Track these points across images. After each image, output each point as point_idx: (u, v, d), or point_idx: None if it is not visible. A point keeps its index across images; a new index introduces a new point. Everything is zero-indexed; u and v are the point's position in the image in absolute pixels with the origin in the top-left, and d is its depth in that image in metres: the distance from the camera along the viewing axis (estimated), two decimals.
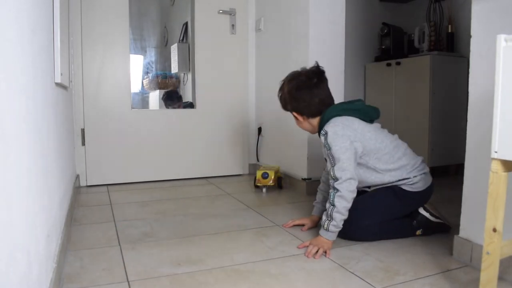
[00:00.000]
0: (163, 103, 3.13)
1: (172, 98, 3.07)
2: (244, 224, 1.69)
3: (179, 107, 3.01)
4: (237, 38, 2.79)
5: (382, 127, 1.55)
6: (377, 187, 1.51)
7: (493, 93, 0.87)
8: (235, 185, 2.52)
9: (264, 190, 2.31)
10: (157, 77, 3.26)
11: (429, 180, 1.51)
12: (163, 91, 3.17)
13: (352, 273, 1.20)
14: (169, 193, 2.32)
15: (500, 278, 1.04)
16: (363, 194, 1.52)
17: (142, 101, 3.35)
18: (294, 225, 1.64)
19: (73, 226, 1.66)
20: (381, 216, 1.48)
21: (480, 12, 1.19)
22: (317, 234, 1.40)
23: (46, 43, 1.16)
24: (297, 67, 1.57)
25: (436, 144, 2.69)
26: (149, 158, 2.60)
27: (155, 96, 3.24)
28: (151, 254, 1.35)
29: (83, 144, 2.45)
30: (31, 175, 0.82)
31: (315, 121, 1.53)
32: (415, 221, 1.50)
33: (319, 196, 1.67)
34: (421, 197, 1.50)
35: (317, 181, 1.72)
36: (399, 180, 1.47)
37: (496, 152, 0.88)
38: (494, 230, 0.90)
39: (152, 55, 3.41)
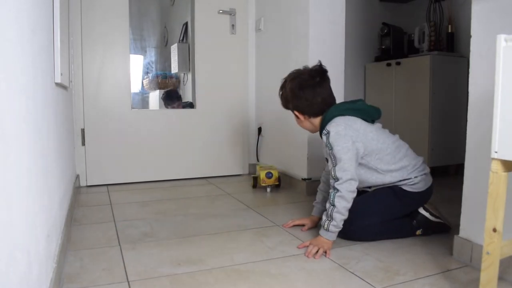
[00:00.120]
0: (163, 103, 3.13)
1: (172, 98, 3.07)
2: (244, 224, 1.69)
3: (178, 106, 3.01)
4: (237, 38, 2.79)
5: (383, 127, 1.55)
6: (378, 187, 1.51)
7: (493, 93, 0.87)
8: (235, 185, 2.52)
9: (268, 189, 2.32)
10: (157, 77, 3.27)
11: (429, 180, 1.51)
12: (163, 91, 3.17)
13: (352, 273, 1.20)
14: (169, 193, 2.32)
15: (500, 278, 1.04)
16: (363, 194, 1.52)
17: (142, 101, 3.35)
18: (294, 225, 1.64)
19: (73, 226, 1.66)
20: (381, 216, 1.48)
21: (480, 12, 1.19)
22: (317, 234, 1.40)
23: (46, 43, 1.16)
24: (297, 67, 1.57)
25: (436, 144, 2.69)
26: (149, 158, 2.60)
27: (155, 96, 3.24)
28: (151, 254, 1.35)
29: (83, 144, 2.45)
30: (31, 175, 0.82)
31: (317, 120, 1.52)
32: (415, 221, 1.50)
33: (319, 196, 1.67)
34: (421, 197, 1.50)
35: (317, 181, 1.72)
36: (400, 181, 1.47)
37: (496, 152, 0.88)
38: (494, 230, 0.90)
39: (152, 55, 3.41)
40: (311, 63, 1.53)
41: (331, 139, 1.39)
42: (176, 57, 3.03)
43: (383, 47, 3.12)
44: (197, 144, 2.72)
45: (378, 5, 3.29)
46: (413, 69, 2.78)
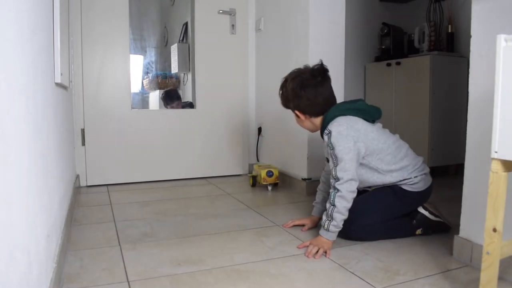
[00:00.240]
0: (162, 103, 3.13)
1: (171, 97, 3.07)
2: (244, 224, 1.69)
3: (177, 106, 3.01)
4: (237, 38, 2.79)
5: (383, 127, 1.55)
6: (378, 187, 1.51)
7: (493, 93, 0.87)
8: (235, 185, 2.52)
9: (269, 188, 2.35)
10: (157, 77, 3.27)
11: (429, 180, 1.51)
12: (162, 91, 3.17)
13: (352, 273, 1.20)
14: (169, 193, 2.32)
15: (500, 278, 1.04)
16: (363, 194, 1.52)
17: (142, 101, 3.35)
18: (294, 225, 1.64)
19: (73, 226, 1.66)
20: (381, 215, 1.48)
21: (480, 12, 1.19)
22: (317, 234, 1.40)
23: (46, 43, 1.16)
24: (297, 67, 1.56)
25: (436, 144, 2.69)
26: (149, 158, 2.60)
27: (155, 96, 3.24)
28: (151, 254, 1.35)
29: (83, 144, 2.45)
30: (31, 175, 0.82)
31: (318, 120, 1.52)
32: (414, 220, 1.50)
33: (318, 196, 1.67)
34: (421, 197, 1.50)
35: (317, 181, 1.72)
36: (400, 181, 1.47)
37: (496, 152, 0.88)
38: (494, 230, 0.90)
39: (152, 55, 3.41)
40: (311, 63, 1.53)
41: (333, 139, 1.39)
42: (176, 57, 3.03)
43: (383, 47, 3.12)
44: (197, 144, 2.72)
45: (378, 5, 3.29)
46: (413, 69, 2.78)
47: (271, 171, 2.31)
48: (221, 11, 2.72)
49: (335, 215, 1.36)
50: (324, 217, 1.39)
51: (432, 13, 2.98)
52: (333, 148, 1.39)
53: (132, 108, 2.58)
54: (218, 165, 2.78)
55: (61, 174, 1.46)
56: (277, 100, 1.60)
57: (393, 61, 2.94)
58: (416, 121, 2.75)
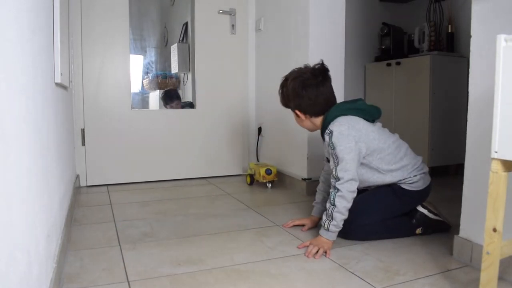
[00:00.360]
0: (162, 103, 3.13)
1: (170, 97, 3.07)
2: (244, 224, 1.69)
3: (176, 105, 3.01)
4: (237, 38, 2.79)
5: (382, 126, 1.55)
6: (377, 185, 1.51)
7: (493, 93, 0.87)
8: (235, 185, 2.52)
9: (269, 185, 2.40)
10: (157, 77, 3.26)
11: (428, 179, 1.52)
12: (162, 91, 3.17)
13: (352, 273, 1.20)
14: (169, 193, 2.32)
15: (500, 278, 1.04)
16: (363, 193, 1.52)
17: (142, 101, 3.35)
18: (294, 225, 1.64)
19: (73, 226, 1.66)
20: (381, 215, 1.49)
21: (480, 12, 1.19)
22: (317, 234, 1.40)
23: (46, 43, 1.16)
24: (297, 67, 1.56)
25: (436, 144, 2.69)
26: (149, 158, 2.60)
27: (155, 96, 3.24)
28: (151, 254, 1.35)
29: (83, 144, 2.45)
30: (31, 175, 0.82)
31: (318, 120, 1.51)
32: (414, 220, 1.50)
33: (318, 197, 1.67)
34: (420, 195, 1.51)
35: (317, 181, 1.72)
36: (400, 180, 1.48)
37: (496, 152, 0.88)
38: (494, 230, 0.90)
39: (152, 55, 3.41)
40: (311, 63, 1.53)
41: (334, 139, 1.39)
42: (176, 57, 3.03)
43: (383, 47, 3.12)
44: (197, 144, 2.72)
45: (378, 5, 3.29)
46: (413, 69, 2.78)
47: (270, 169, 2.36)
48: (221, 11, 2.72)
49: (335, 214, 1.36)
50: (324, 217, 1.39)
51: (432, 13, 2.98)
52: (334, 148, 1.39)
53: (132, 108, 2.58)
54: (218, 165, 2.78)
55: (61, 174, 1.46)
56: (277, 100, 1.59)
57: (393, 61, 2.94)
58: (416, 121, 2.75)
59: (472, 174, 1.25)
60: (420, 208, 1.51)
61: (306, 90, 1.46)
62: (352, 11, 2.98)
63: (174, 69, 3.13)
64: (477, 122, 1.21)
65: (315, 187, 1.73)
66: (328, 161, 1.55)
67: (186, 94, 3.11)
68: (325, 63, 1.51)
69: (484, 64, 1.17)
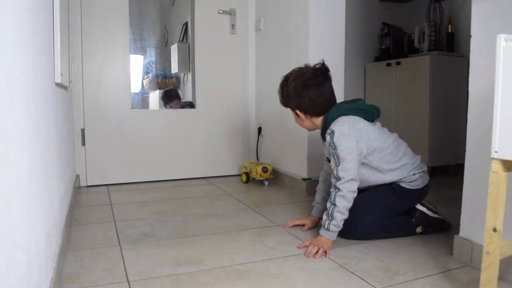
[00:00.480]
0: (162, 103, 3.13)
1: (170, 97, 3.07)
2: (244, 224, 1.69)
3: (176, 105, 3.00)
4: (237, 38, 2.79)
5: (381, 126, 1.56)
6: (377, 185, 1.52)
7: (493, 93, 0.87)
8: (235, 185, 2.52)
9: (266, 183, 2.47)
10: (157, 77, 3.26)
11: (426, 178, 1.53)
12: (162, 91, 3.17)
13: (352, 273, 1.20)
14: (169, 193, 2.32)
15: (500, 278, 1.04)
16: (363, 193, 1.52)
17: (142, 101, 3.35)
18: (294, 225, 1.64)
19: (73, 226, 1.66)
20: (381, 213, 1.49)
21: (480, 12, 1.19)
22: (317, 234, 1.40)
23: (46, 43, 1.16)
24: (297, 66, 1.56)
25: (436, 144, 2.69)
26: (149, 158, 2.60)
27: (155, 96, 3.24)
28: (151, 254, 1.35)
29: (83, 144, 2.45)
30: (31, 175, 0.82)
31: (319, 120, 1.51)
32: (414, 219, 1.51)
33: (318, 196, 1.67)
34: (419, 194, 1.52)
35: (317, 181, 1.72)
36: (400, 179, 1.49)
37: (496, 152, 0.88)
38: (494, 230, 0.90)
39: (152, 55, 3.41)
40: (311, 63, 1.53)
41: (335, 139, 1.39)
42: (176, 57, 3.03)
43: (383, 47, 3.12)
44: (197, 144, 2.72)
45: (378, 5, 3.29)
46: (413, 69, 2.78)
47: (266, 167, 2.43)
48: (221, 11, 2.72)
49: (336, 214, 1.36)
50: (324, 217, 1.39)
51: (432, 13, 2.98)
52: (335, 148, 1.39)
53: (132, 108, 2.58)
54: (218, 165, 2.78)
55: (61, 174, 1.46)
56: (277, 100, 1.58)
57: (393, 61, 2.94)
58: (416, 121, 2.75)
59: (472, 174, 1.25)
60: (419, 206, 1.52)
61: (308, 90, 1.45)
62: (352, 11, 2.98)
63: (174, 69, 3.13)
64: (477, 122, 1.21)
65: (315, 187, 1.73)
66: (328, 160, 1.55)
67: (186, 94, 3.11)
68: (325, 63, 1.51)
69: (484, 64, 1.17)
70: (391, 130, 1.57)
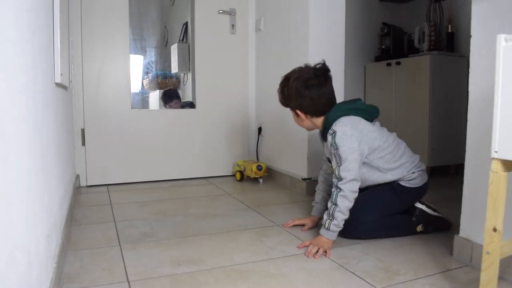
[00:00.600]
0: (162, 103, 3.13)
1: (170, 96, 3.07)
2: (244, 224, 1.69)
3: (175, 105, 3.00)
4: (237, 38, 2.79)
5: (381, 126, 1.56)
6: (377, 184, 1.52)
7: (493, 93, 0.87)
8: (235, 185, 2.52)
9: (260, 181, 2.56)
10: (157, 77, 3.26)
11: (425, 177, 1.54)
12: (162, 91, 3.17)
13: (352, 273, 1.20)
14: (169, 193, 2.32)
15: (500, 278, 1.04)
16: (363, 192, 1.52)
17: (142, 101, 3.35)
18: (294, 225, 1.64)
19: (73, 226, 1.66)
20: (381, 212, 1.50)
21: (480, 12, 1.19)
22: (318, 234, 1.40)
23: (46, 43, 1.16)
24: (297, 66, 1.55)
25: (436, 144, 2.69)
26: (149, 158, 2.60)
27: (155, 96, 3.24)
28: (151, 254, 1.35)
29: (83, 144, 2.45)
30: (31, 175, 0.82)
31: (319, 120, 1.51)
32: (414, 217, 1.51)
33: (317, 196, 1.67)
34: (418, 192, 1.53)
35: (317, 181, 1.72)
36: (400, 178, 1.49)
37: (496, 152, 0.88)
38: (494, 229, 0.90)
39: (152, 55, 3.41)
40: (311, 62, 1.52)
41: (337, 139, 1.39)
42: (176, 57, 3.03)
43: (383, 47, 3.12)
44: (197, 144, 2.72)
45: (378, 5, 3.29)
46: (413, 69, 2.78)
47: (260, 165, 2.50)
48: (221, 11, 2.72)
49: (337, 214, 1.36)
50: (325, 216, 1.40)
51: (432, 13, 2.98)
52: (337, 148, 1.39)
53: (132, 108, 2.58)
54: (218, 165, 2.78)
55: (61, 174, 1.46)
56: (277, 100, 1.58)
57: (393, 61, 2.94)
58: (416, 121, 2.75)
59: (472, 174, 1.25)
60: (418, 205, 1.53)
61: (309, 90, 1.45)
62: (352, 11, 2.98)
63: (174, 69, 3.13)
64: (477, 122, 1.21)
65: (315, 187, 1.73)
66: (328, 160, 1.55)
67: (186, 94, 3.11)
68: (325, 63, 1.51)
69: (484, 64, 1.17)
70: (391, 130, 1.58)
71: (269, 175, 2.68)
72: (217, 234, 1.56)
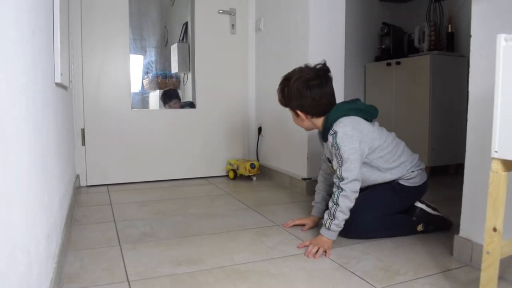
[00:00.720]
0: (161, 102, 3.13)
1: (169, 96, 3.07)
2: (244, 224, 1.69)
3: (175, 104, 3.00)
4: (237, 38, 2.79)
5: (380, 125, 1.56)
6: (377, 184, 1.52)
7: (493, 93, 0.87)
8: (235, 185, 2.52)
9: (254, 179, 2.63)
10: (157, 77, 3.27)
11: (425, 176, 1.55)
12: (162, 91, 3.17)
13: (352, 273, 1.20)
14: (169, 193, 2.32)
15: (500, 278, 1.04)
16: (363, 191, 1.52)
17: (142, 101, 3.35)
18: (294, 225, 1.64)
19: (73, 226, 1.66)
20: (381, 211, 1.50)
21: (480, 12, 1.19)
22: (318, 234, 1.40)
23: (46, 43, 1.16)
24: (297, 66, 1.55)
25: (436, 144, 2.69)
26: (149, 158, 2.60)
27: (155, 96, 3.24)
28: (151, 254, 1.35)
29: (83, 144, 2.45)
30: (31, 175, 0.82)
31: (319, 120, 1.51)
32: (414, 217, 1.51)
33: (317, 196, 1.67)
34: (418, 191, 1.53)
35: (317, 181, 1.72)
36: (399, 177, 1.50)
37: (496, 151, 0.88)
38: (494, 229, 0.90)
39: (152, 55, 3.41)
40: (311, 62, 1.52)
41: (339, 140, 1.39)
42: (176, 57, 3.03)
43: (383, 46, 3.12)
44: (197, 144, 2.72)
45: (378, 5, 3.29)
46: (413, 69, 2.78)
47: (254, 164, 2.57)
48: (221, 11, 2.72)
49: (338, 214, 1.36)
50: (326, 216, 1.40)
51: (432, 13, 2.98)
52: (338, 148, 1.39)
53: (132, 108, 2.58)
54: (218, 165, 2.78)
55: (61, 174, 1.46)
56: (277, 100, 1.58)
57: (393, 61, 2.94)
58: (416, 121, 2.75)
59: (472, 174, 1.25)
60: (418, 204, 1.53)
61: (310, 91, 1.44)
62: (352, 11, 2.98)
63: (174, 69, 3.13)
64: (477, 122, 1.21)
65: (315, 187, 1.73)
66: (329, 161, 1.55)
67: (186, 94, 3.11)
68: (326, 63, 1.51)
69: (484, 64, 1.17)
70: (391, 130, 1.58)
71: (269, 175, 2.68)
72: (217, 234, 1.56)
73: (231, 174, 2.67)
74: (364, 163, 1.45)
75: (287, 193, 2.29)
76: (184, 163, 2.69)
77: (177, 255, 1.34)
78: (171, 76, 3.26)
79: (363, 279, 1.15)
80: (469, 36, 1.22)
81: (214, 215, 1.84)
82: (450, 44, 2.83)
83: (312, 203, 1.68)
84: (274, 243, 1.45)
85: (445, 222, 1.55)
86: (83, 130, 2.44)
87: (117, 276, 1.17)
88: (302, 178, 2.26)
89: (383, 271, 1.21)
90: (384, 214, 1.50)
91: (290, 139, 2.38)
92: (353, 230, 1.45)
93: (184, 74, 3.16)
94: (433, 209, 1.54)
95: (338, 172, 1.40)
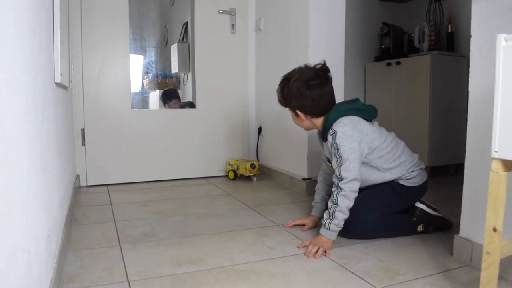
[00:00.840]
0: (161, 102, 3.14)
1: (169, 96, 3.07)
2: (244, 224, 1.69)
3: (175, 104, 3.00)
4: (237, 38, 2.79)
5: (380, 125, 1.56)
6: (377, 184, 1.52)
7: (493, 93, 0.87)
8: (235, 185, 2.52)
9: (254, 179, 2.61)
10: (157, 77, 3.27)
11: (424, 176, 1.54)
12: (162, 91, 3.17)
13: (353, 273, 1.20)
14: (169, 193, 2.32)
15: (500, 278, 1.04)
16: (363, 192, 1.52)
17: (142, 101, 3.35)
18: (294, 225, 1.64)
19: (73, 226, 1.66)
20: (381, 211, 1.50)
21: (480, 12, 1.19)
22: (318, 234, 1.40)
23: (46, 43, 1.16)
24: (297, 66, 1.55)
25: (436, 144, 2.69)
26: (149, 158, 2.60)
27: (155, 96, 3.24)
28: (151, 254, 1.35)
29: (83, 144, 2.45)
30: (31, 175, 0.82)
31: (319, 120, 1.51)
32: (414, 217, 1.51)
33: (317, 196, 1.67)
34: (418, 191, 1.53)
35: (317, 181, 1.72)
36: (399, 177, 1.50)
37: (496, 151, 0.88)
38: (494, 229, 0.90)
39: (152, 55, 3.42)
40: (311, 62, 1.52)
41: (338, 139, 1.39)
42: (176, 57, 3.03)
43: (383, 46, 3.12)
44: (197, 143, 2.72)
45: (378, 5, 3.29)
46: (413, 69, 2.78)
47: (254, 164, 2.56)
48: (221, 11, 2.72)
49: (337, 213, 1.36)
50: (325, 216, 1.40)
51: (432, 13, 2.98)
52: (338, 148, 1.39)
53: (132, 108, 2.58)
54: (218, 165, 2.78)
55: (61, 174, 1.46)
56: (277, 99, 1.58)
57: (393, 61, 2.94)
58: (416, 121, 2.75)
59: (472, 174, 1.25)
60: (418, 204, 1.53)
61: (310, 91, 1.44)
62: (352, 11, 2.98)
63: (174, 69, 3.13)
64: (477, 122, 1.21)
65: (314, 187, 1.72)
66: (328, 160, 1.55)
67: (186, 94, 3.11)
68: (325, 63, 1.51)
69: (484, 64, 1.17)
70: (391, 129, 1.58)
71: (269, 175, 2.68)
72: (217, 234, 1.56)
73: (231, 175, 2.66)
74: (364, 163, 1.45)
75: (287, 193, 2.29)
76: (184, 163, 2.69)
77: (177, 255, 1.34)
78: (171, 76, 3.26)
79: (363, 279, 1.15)
80: (469, 36, 1.22)
81: (214, 215, 1.84)
82: (450, 44, 2.83)
83: (312, 203, 1.68)
84: (274, 243, 1.45)
85: (446, 222, 1.55)
86: (83, 130, 2.44)
87: (117, 276, 1.17)
88: (302, 178, 2.26)
89: (383, 271, 1.21)
90: (384, 214, 1.50)
91: (290, 139, 2.38)
92: (352, 230, 1.45)
93: (184, 74, 3.16)
94: (434, 209, 1.54)
95: (337, 172, 1.40)
